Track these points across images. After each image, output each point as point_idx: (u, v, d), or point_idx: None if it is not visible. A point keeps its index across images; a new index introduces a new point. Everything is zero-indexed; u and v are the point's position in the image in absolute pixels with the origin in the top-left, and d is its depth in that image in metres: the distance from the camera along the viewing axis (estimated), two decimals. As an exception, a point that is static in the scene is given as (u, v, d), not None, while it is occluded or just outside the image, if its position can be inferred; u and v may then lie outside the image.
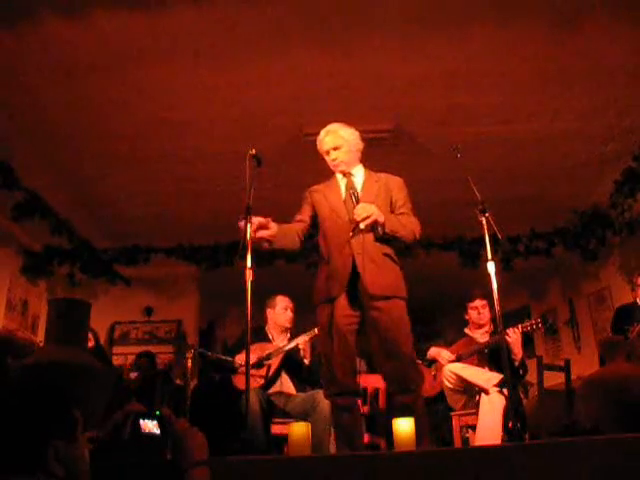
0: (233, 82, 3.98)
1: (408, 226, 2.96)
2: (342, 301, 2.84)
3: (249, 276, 2.69)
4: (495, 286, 2.80)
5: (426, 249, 5.98)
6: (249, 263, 2.71)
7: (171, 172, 5.06)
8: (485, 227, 2.91)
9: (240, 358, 4.03)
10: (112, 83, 3.93)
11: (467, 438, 3.98)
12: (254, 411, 3.63)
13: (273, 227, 2.89)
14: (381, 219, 2.84)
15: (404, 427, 2.35)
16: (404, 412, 2.59)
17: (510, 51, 3.72)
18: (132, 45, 3.59)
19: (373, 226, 2.85)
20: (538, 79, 3.99)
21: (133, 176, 5.21)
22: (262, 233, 2.85)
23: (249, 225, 2.75)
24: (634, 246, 5.48)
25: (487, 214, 2.92)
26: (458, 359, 4.00)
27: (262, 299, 4.36)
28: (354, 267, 2.84)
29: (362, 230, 2.88)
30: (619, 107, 4.28)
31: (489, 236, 2.93)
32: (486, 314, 4.15)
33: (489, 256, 2.91)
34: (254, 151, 2.95)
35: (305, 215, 3.13)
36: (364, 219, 2.82)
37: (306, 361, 3.96)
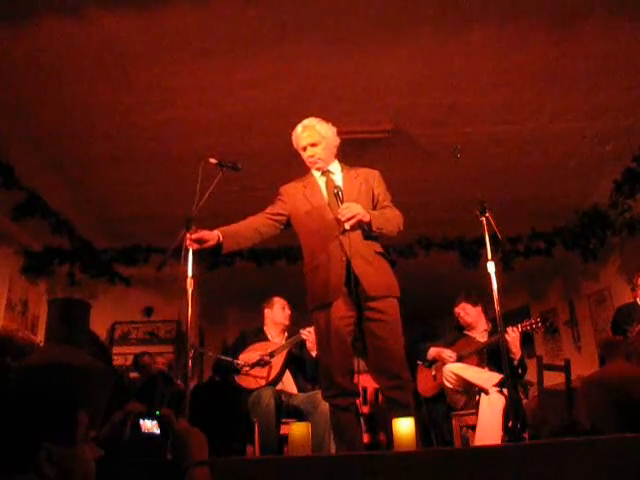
0: (233, 82, 3.97)
1: (393, 220, 2.94)
2: (338, 303, 2.82)
3: (190, 285, 2.71)
4: (495, 286, 2.80)
5: (426, 249, 5.98)
6: (190, 272, 2.74)
7: (171, 172, 5.06)
8: (485, 227, 2.91)
9: (243, 358, 4.04)
10: (112, 83, 3.93)
11: (467, 438, 3.98)
12: (269, 410, 3.63)
13: (212, 238, 2.84)
14: (366, 218, 2.80)
15: (404, 427, 2.35)
16: (399, 410, 2.60)
17: (510, 51, 3.72)
18: (132, 45, 3.59)
19: (360, 225, 2.83)
20: (538, 79, 3.99)
21: (133, 176, 5.20)
22: (202, 245, 2.82)
23: (187, 235, 2.79)
24: (634, 246, 5.48)
25: (487, 214, 2.92)
26: (458, 359, 4.01)
27: (262, 300, 4.38)
28: (348, 269, 2.82)
29: (349, 230, 2.84)
30: (619, 107, 4.29)
31: (489, 236, 2.93)
32: (469, 314, 4.22)
33: (489, 256, 2.91)
34: (215, 160, 2.95)
35: (273, 211, 3.07)
36: (349, 219, 2.77)
37: (313, 353, 3.96)
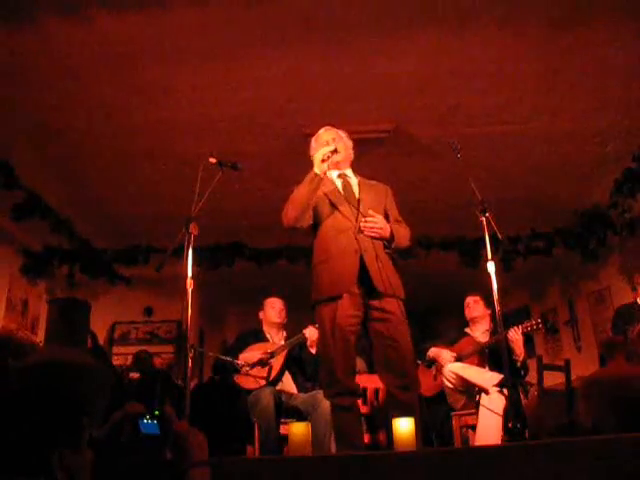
0: (233, 82, 3.97)
1: (406, 237, 3.07)
2: (345, 301, 2.83)
3: (190, 285, 2.74)
4: (495, 286, 2.80)
5: (426, 249, 5.98)
6: (190, 272, 2.76)
7: (171, 172, 5.06)
8: (485, 227, 2.92)
9: (243, 358, 4.04)
10: (112, 83, 3.93)
11: (467, 438, 3.98)
12: (269, 410, 3.64)
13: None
14: (386, 234, 2.94)
15: (404, 427, 2.35)
16: (404, 411, 2.59)
17: (510, 51, 3.72)
18: (132, 45, 3.59)
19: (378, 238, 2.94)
20: (538, 79, 3.99)
21: (133, 176, 5.20)
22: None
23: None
24: (634, 246, 5.48)
25: (487, 214, 2.92)
26: (458, 359, 4.00)
27: (262, 300, 4.38)
28: (362, 265, 2.86)
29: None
30: (619, 107, 4.28)
31: (489, 236, 2.93)
32: (478, 309, 4.20)
33: (489, 256, 2.91)
34: (214, 160, 2.97)
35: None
36: (371, 229, 2.91)
37: (313, 350, 3.97)
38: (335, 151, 3.04)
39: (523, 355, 3.89)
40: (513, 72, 3.91)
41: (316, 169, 2.95)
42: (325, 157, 2.95)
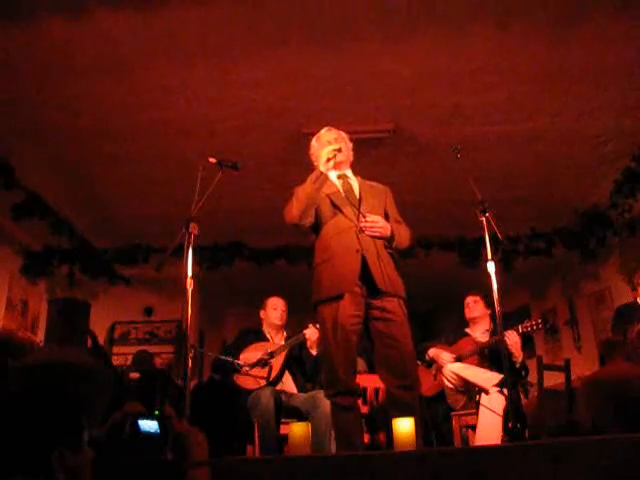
0: (233, 82, 3.97)
1: (406, 237, 3.09)
2: (346, 301, 2.84)
3: (190, 285, 2.74)
4: (495, 286, 2.80)
5: (426, 249, 5.98)
6: (190, 272, 2.76)
7: (171, 172, 5.06)
8: (485, 227, 2.92)
9: (243, 358, 4.04)
10: (112, 83, 3.93)
11: (467, 438, 3.97)
12: (268, 410, 3.64)
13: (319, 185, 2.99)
14: (387, 233, 2.95)
15: (404, 427, 2.35)
16: (405, 411, 2.59)
17: (510, 51, 3.72)
18: (132, 45, 3.59)
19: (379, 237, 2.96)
20: (538, 79, 3.99)
21: (133, 176, 5.20)
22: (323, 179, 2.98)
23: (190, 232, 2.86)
24: (634, 246, 5.48)
25: (487, 214, 2.93)
26: (458, 359, 4.00)
27: (262, 300, 4.38)
28: (364, 264, 2.86)
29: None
30: (619, 107, 4.28)
31: (489, 236, 2.94)
32: (478, 309, 4.20)
33: (489, 256, 2.92)
34: (214, 160, 2.99)
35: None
36: (371, 229, 2.93)
37: (313, 352, 3.97)
38: (340, 150, 3.05)
39: (521, 357, 3.89)
40: (513, 72, 3.91)
41: (321, 167, 2.96)
42: (331, 155, 2.97)
